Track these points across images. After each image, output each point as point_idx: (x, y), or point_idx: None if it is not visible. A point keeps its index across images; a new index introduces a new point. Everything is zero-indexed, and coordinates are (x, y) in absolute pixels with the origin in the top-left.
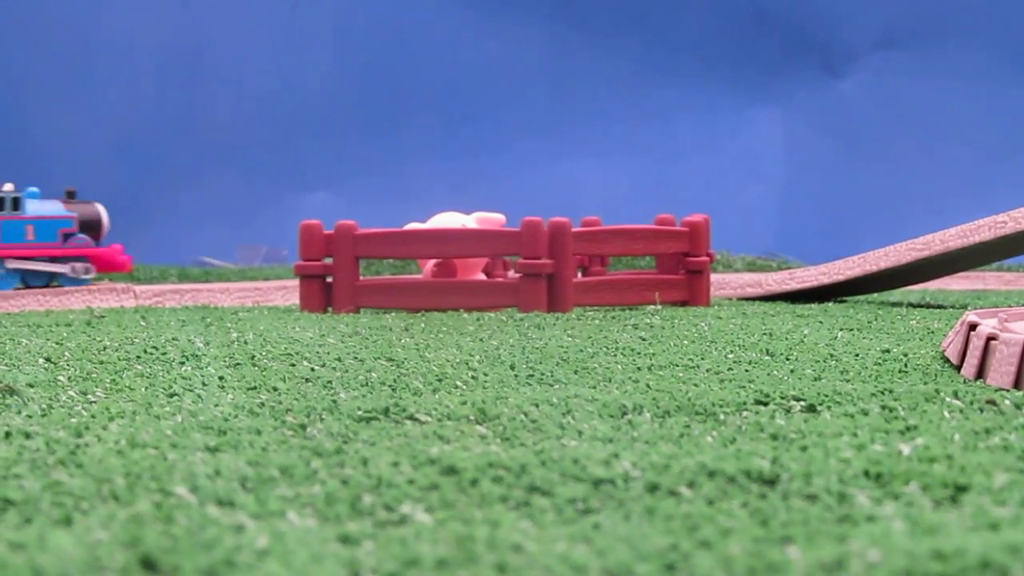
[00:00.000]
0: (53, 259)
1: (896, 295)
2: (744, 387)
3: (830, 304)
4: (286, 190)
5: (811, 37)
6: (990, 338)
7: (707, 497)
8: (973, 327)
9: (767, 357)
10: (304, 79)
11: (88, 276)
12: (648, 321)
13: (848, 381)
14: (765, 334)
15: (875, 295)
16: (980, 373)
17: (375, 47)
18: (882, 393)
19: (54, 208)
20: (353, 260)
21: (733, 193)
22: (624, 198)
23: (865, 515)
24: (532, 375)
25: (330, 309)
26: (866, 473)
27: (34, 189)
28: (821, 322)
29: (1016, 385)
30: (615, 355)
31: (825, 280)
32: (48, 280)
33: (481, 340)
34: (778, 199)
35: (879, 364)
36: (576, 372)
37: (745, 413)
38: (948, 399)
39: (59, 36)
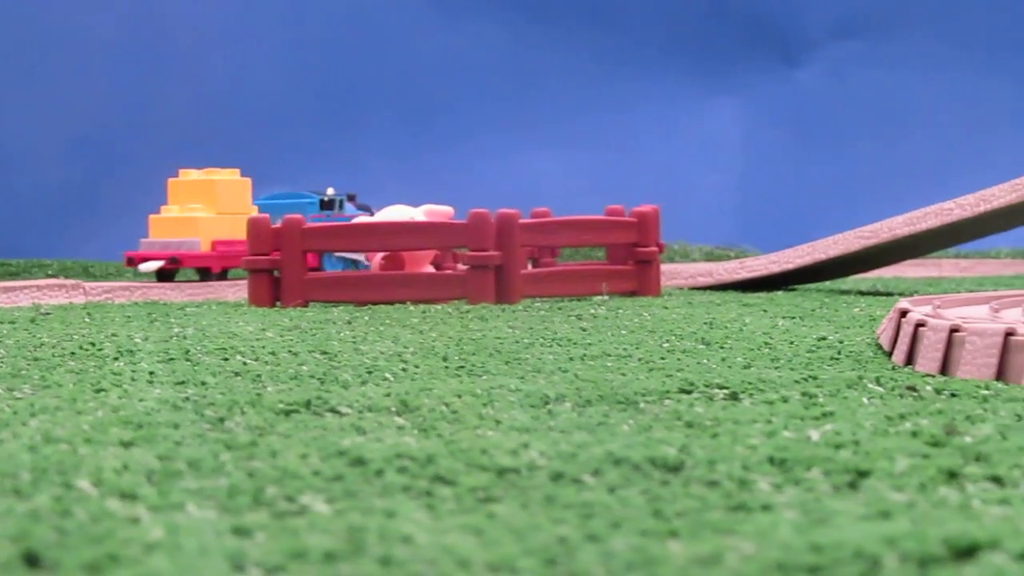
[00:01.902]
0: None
1: (848, 283)
2: (671, 376)
3: (779, 293)
4: None
5: (768, 27)
6: (919, 325)
7: (609, 485)
8: (904, 314)
9: (702, 346)
10: (261, 74)
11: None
12: (593, 312)
13: (777, 369)
14: (706, 323)
15: (827, 283)
16: (910, 359)
17: (333, 41)
18: (806, 380)
19: (354, 208)
20: (301, 254)
21: (691, 183)
22: (583, 189)
23: (761, 503)
24: (463, 367)
25: (278, 303)
26: (771, 460)
27: (331, 190)
28: (765, 311)
29: (942, 370)
30: (551, 346)
31: (775, 269)
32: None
33: (421, 332)
34: (736, 189)
35: (811, 352)
36: (507, 363)
37: (667, 402)
38: (870, 385)
39: (11, 32)
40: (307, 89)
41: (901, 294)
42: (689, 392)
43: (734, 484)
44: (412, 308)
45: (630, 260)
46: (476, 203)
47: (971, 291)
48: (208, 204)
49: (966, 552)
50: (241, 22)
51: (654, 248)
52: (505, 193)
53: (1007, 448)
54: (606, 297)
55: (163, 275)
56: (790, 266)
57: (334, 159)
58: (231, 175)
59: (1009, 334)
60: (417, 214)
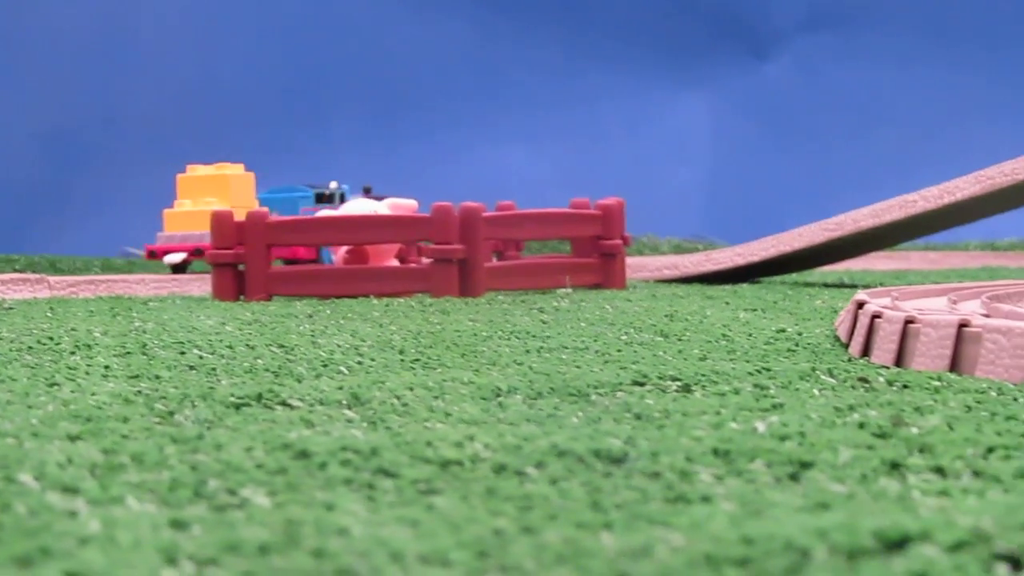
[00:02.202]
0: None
1: (815, 275)
2: (626, 368)
3: (744, 285)
4: None
5: (737, 20)
6: (875, 316)
7: (551, 477)
8: (861, 306)
9: (660, 338)
10: (228, 68)
11: None
12: (555, 304)
13: (732, 361)
14: (666, 316)
15: (793, 276)
16: (866, 351)
17: (300, 35)
18: (759, 372)
19: (356, 200)
20: (265, 248)
21: (660, 176)
22: (552, 182)
23: (701, 495)
24: (418, 360)
25: (243, 297)
26: (715, 451)
27: (346, 185)
28: (727, 303)
29: (897, 362)
30: (509, 339)
31: (740, 261)
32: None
33: (381, 326)
34: (705, 182)
35: (769, 344)
36: (463, 356)
37: (619, 394)
38: (823, 377)
39: None
40: (276, 83)
41: (866, 286)
42: (642, 384)
43: (676, 476)
44: (375, 302)
45: (594, 253)
46: (445, 196)
47: (936, 283)
48: (221, 198)
49: (897, 544)
50: (210, 16)
51: (618, 241)
52: (473, 186)
53: (952, 439)
54: (569, 290)
55: (177, 268)
56: (755, 259)
57: (303, 153)
58: (235, 169)
59: (963, 325)
60: (381, 208)
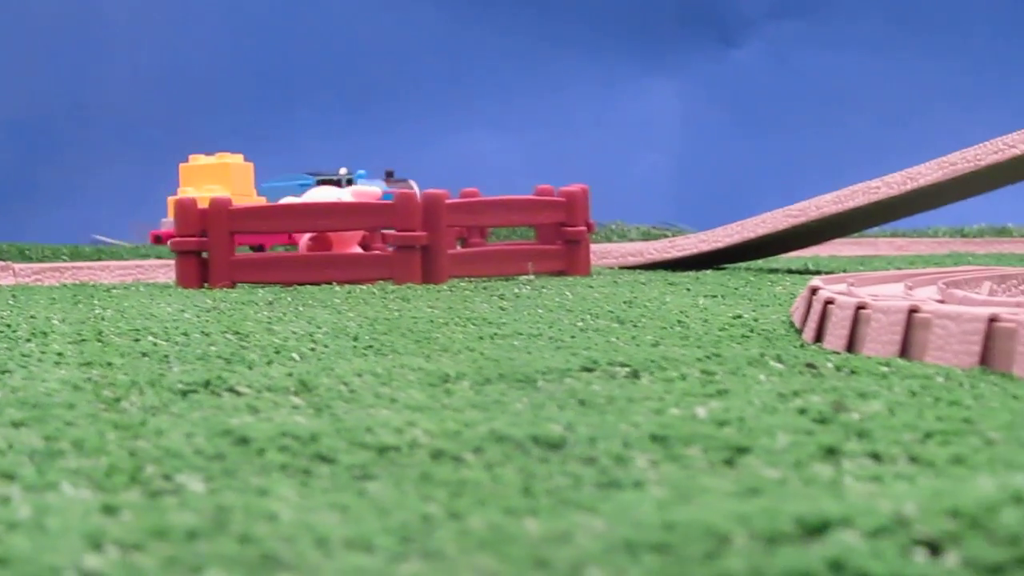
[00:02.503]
0: None
1: (780, 261)
2: (577, 354)
3: (708, 272)
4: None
5: (705, 7)
6: (827, 302)
7: (488, 463)
8: (815, 292)
9: (616, 324)
10: (198, 55)
11: None
12: (517, 291)
13: (684, 347)
14: (625, 302)
15: (760, 262)
16: (819, 336)
17: (270, 22)
18: (709, 358)
19: (377, 185)
20: (228, 236)
21: (629, 163)
22: (520, 169)
23: (633, 480)
24: (371, 346)
25: (206, 285)
26: (653, 437)
27: (362, 171)
28: (689, 289)
29: (849, 348)
30: (465, 325)
31: (705, 247)
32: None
33: (339, 312)
34: (674, 169)
35: (723, 330)
36: (417, 343)
37: (568, 380)
38: (772, 363)
39: None
40: (246, 71)
41: (829, 272)
42: (591, 370)
43: (611, 461)
44: (337, 288)
45: (558, 240)
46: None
47: (899, 269)
48: (222, 186)
49: (817, 530)
50: (179, 3)
51: (582, 228)
52: (442, 173)
53: (892, 425)
54: (532, 277)
55: None
56: (719, 245)
57: (272, 140)
58: (235, 159)
59: (913, 311)
60: (344, 195)
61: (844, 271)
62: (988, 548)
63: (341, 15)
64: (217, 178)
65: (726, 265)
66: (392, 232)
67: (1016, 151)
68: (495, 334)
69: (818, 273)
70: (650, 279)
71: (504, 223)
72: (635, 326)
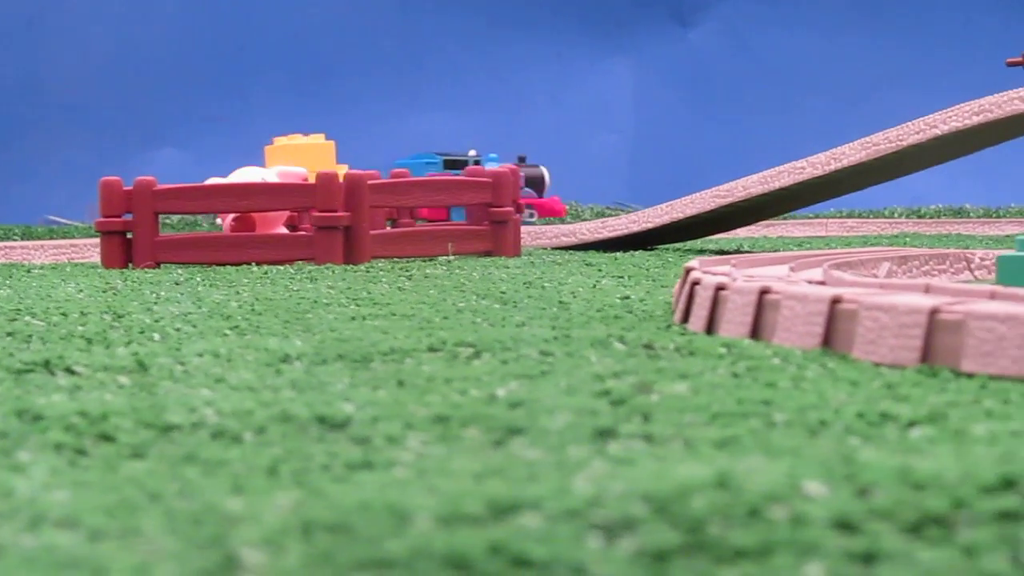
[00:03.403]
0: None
1: (721, 242)
2: (432, 335)
3: (638, 252)
4: (134, 147)
5: None
6: (694, 283)
7: (264, 442)
8: (688, 273)
9: (497, 305)
10: (151, 35)
11: (532, 220)
12: (429, 271)
13: (543, 327)
14: (525, 283)
15: (697, 242)
16: (687, 317)
17: (223, 3)
18: (557, 339)
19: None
20: (152, 216)
21: (584, 143)
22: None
23: (386, 460)
24: (238, 327)
25: (131, 265)
26: (437, 417)
27: (494, 155)
28: (600, 270)
29: (708, 328)
30: (348, 306)
31: (635, 228)
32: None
33: (237, 293)
34: (628, 149)
35: (601, 311)
36: (286, 323)
37: (408, 360)
38: (615, 344)
39: None
40: (200, 52)
41: (763, 251)
42: (437, 350)
43: (383, 441)
44: (255, 269)
45: (486, 220)
46: (369, 165)
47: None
48: (307, 165)
49: (505, 511)
50: None
51: (509, 208)
52: (396, 153)
53: (684, 407)
54: (451, 257)
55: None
56: (649, 225)
57: (225, 123)
58: (316, 139)
59: (764, 292)
60: (269, 175)
61: (777, 250)
62: (664, 534)
63: None
64: (300, 157)
65: (662, 246)
66: (314, 212)
67: (937, 131)
68: (368, 315)
69: (748, 252)
70: (571, 260)
71: (428, 203)
72: (515, 307)
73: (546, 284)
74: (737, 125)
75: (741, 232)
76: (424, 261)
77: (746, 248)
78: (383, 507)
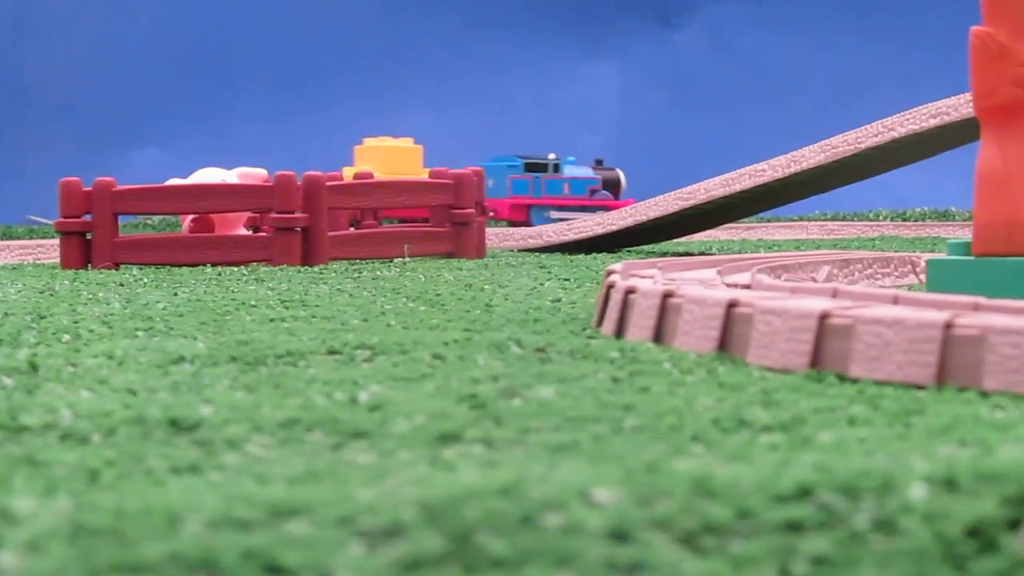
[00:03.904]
0: (583, 208)
1: (691, 244)
2: (337, 338)
3: (600, 255)
4: (116, 147)
5: None
6: (609, 287)
7: (110, 444)
8: (609, 275)
9: (423, 307)
10: (133, 36)
11: None
12: (380, 273)
13: (455, 330)
14: (467, 285)
15: (666, 244)
16: (602, 320)
17: (206, 4)
18: (457, 342)
19: (584, 171)
20: (112, 216)
21: (567, 145)
22: (459, 151)
23: (215, 464)
24: (152, 328)
25: (90, 265)
26: (287, 421)
27: (572, 157)
28: (550, 273)
29: (618, 332)
30: (274, 308)
31: (600, 231)
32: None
33: (175, 294)
34: (612, 150)
35: (525, 313)
36: (202, 324)
37: (301, 362)
38: (512, 348)
39: None
40: (182, 53)
41: (729, 252)
42: (336, 353)
43: (223, 444)
44: (208, 270)
45: (448, 222)
46: (343, 165)
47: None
48: (379, 166)
49: (280, 516)
50: None
51: (471, 210)
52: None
53: (539, 412)
54: (407, 259)
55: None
56: (614, 227)
57: (207, 122)
58: (405, 142)
59: (666, 296)
60: (230, 176)
61: (746, 252)
62: (430, 542)
63: None
64: (387, 159)
65: (634, 248)
66: (272, 214)
67: (894, 134)
68: (290, 316)
69: (708, 255)
70: (527, 262)
71: (388, 205)
72: (441, 309)
73: (487, 286)
74: (722, 126)
75: (721, 234)
76: (380, 263)
77: (715, 250)
78: (161, 511)
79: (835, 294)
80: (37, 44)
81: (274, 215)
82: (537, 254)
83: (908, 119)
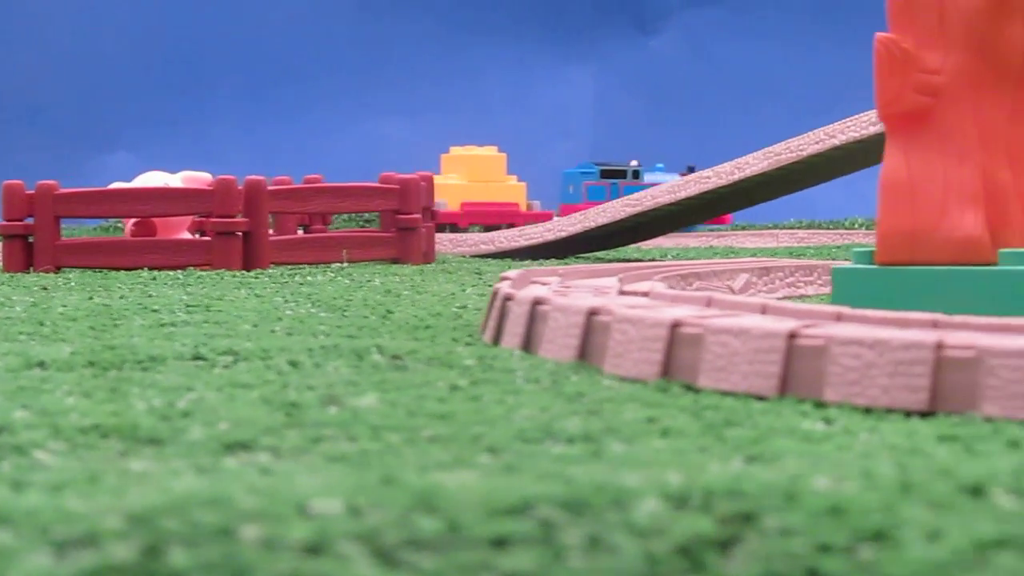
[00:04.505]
0: None
1: (651, 250)
2: (208, 343)
3: (550, 261)
4: (89, 150)
5: None
6: (494, 295)
7: None
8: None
9: (324, 312)
10: (108, 39)
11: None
12: (308, 279)
13: (341, 337)
14: (386, 291)
15: (625, 250)
16: (485, 326)
17: (181, 8)
18: (324, 348)
19: (671, 178)
20: (54, 219)
21: (544, 150)
22: (435, 156)
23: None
24: (37, 333)
25: (32, 268)
26: (90, 427)
27: (660, 164)
28: (481, 279)
29: (495, 340)
30: (175, 312)
31: (550, 237)
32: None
33: (90, 298)
34: (588, 156)
35: (420, 320)
36: (92, 328)
37: (158, 368)
38: (373, 355)
39: None
40: (157, 56)
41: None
42: (200, 359)
43: (9, 450)
44: (144, 274)
45: (393, 228)
46: (325, 169)
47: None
48: (463, 174)
49: None
50: None
51: (417, 215)
52: (354, 160)
53: (347, 420)
54: (345, 264)
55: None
56: (563, 234)
57: (179, 127)
58: (489, 151)
59: (536, 303)
60: (174, 180)
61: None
62: (121, 553)
63: (252, 2)
64: (471, 167)
65: (586, 254)
66: (212, 218)
67: (835, 141)
68: (182, 322)
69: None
70: (463, 268)
71: (331, 210)
72: (343, 314)
73: (405, 292)
74: (698, 133)
75: (692, 241)
76: (319, 268)
77: (670, 257)
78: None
79: (709, 303)
80: (9, 46)
81: (214, 219)
82: (487, 260)
83: (849, 126)
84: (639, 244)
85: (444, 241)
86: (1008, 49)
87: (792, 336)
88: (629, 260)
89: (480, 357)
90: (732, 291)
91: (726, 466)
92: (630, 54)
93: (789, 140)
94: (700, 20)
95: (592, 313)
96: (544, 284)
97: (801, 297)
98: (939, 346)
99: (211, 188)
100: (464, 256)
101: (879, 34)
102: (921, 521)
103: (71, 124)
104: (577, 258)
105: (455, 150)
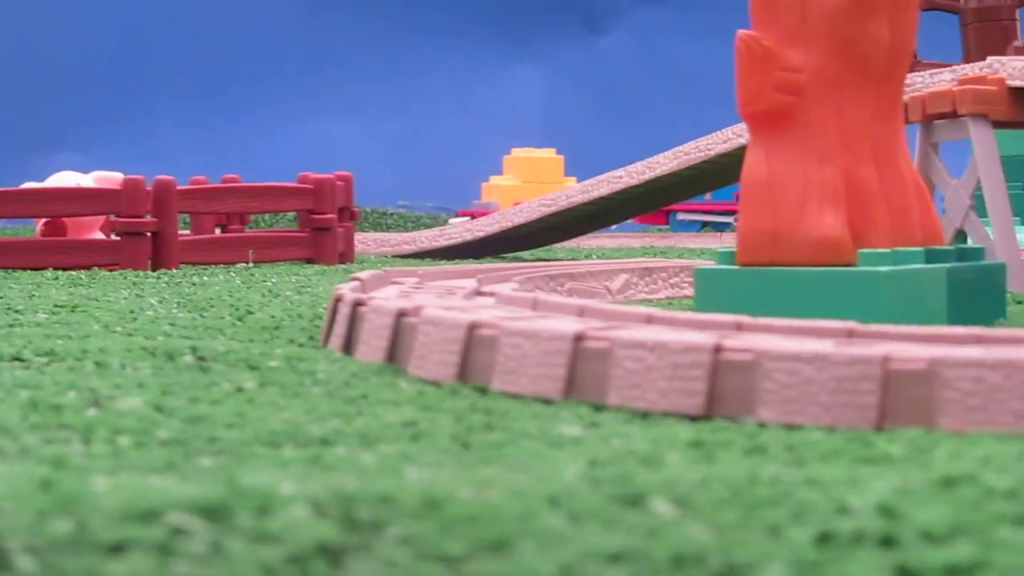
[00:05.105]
0: (722, 213)
1: (575, 249)
2: (40, 344)
3: (468, 261)
4: (33, 150)
5: None
6: (336, 300)
7: None
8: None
9: (183, 313)
10: (52, 38)
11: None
12: (203, 280)
13: (178, 339)
14: (267, 291)
15: (546, 250)
16: (328, 333)
17: (125, 7)
18: (144, 350)
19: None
20: None
21: (491, 149)
22: (381, 156)
23: None
24: None
25: None
26: None
27: None
28: (328, 278)
29: (346, 347)
30: (36, 313)
31: (469, 237)
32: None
33: None
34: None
35: (276, 321)
36: None
37: None
38: (186, 356)
39: None
40: (100, 55)
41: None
42: (18, 359)
43: None
44: (48, 274)
45: (308, 227)
46: (271, 170)
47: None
48: (524, 175)
49: None
50: None
51: (331, 215)
52: (298, 160)
53: (97, 421)
54: (251, 264)
55: None
56: (481, 234)
57: (126, 127)
58: (547, 153)
59: (357, 304)
60: (86, 180)
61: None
62: None
63: (197, 1)
64: (530, 168)
65: (505, 254)
66: (120, 218)
67: (742, 140)
68: (34, 323)
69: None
70: (339, 269)
71: (243, 210)
72: (200, 315)
73: (287, 292)
74: (647, 132)
75: (634, 242)
76: (224, 269)
77: (596, 256)
78: None
79: (535, 305)
80: None
81: (122, 219)
82: (409, 260)
83: None
84: (564, 243)
85: (368, 241)
86: (871, 47)
87: (578, 339)
88: (551, 260)
89: (290, 359)
90: (610, 292)
91: (421, 473)
92: (579, 53)
93: (698, 139)
94: (649, 19)
95: (401, 315)
96: (399, 285)
97: (683, 299)
98: (717, 349)
99: (117, 188)
100: (386, 256)
101: (741, 32)
102: (545, 533)
103: (14, 124)
104: (498, 258)
105: (516, 152)
